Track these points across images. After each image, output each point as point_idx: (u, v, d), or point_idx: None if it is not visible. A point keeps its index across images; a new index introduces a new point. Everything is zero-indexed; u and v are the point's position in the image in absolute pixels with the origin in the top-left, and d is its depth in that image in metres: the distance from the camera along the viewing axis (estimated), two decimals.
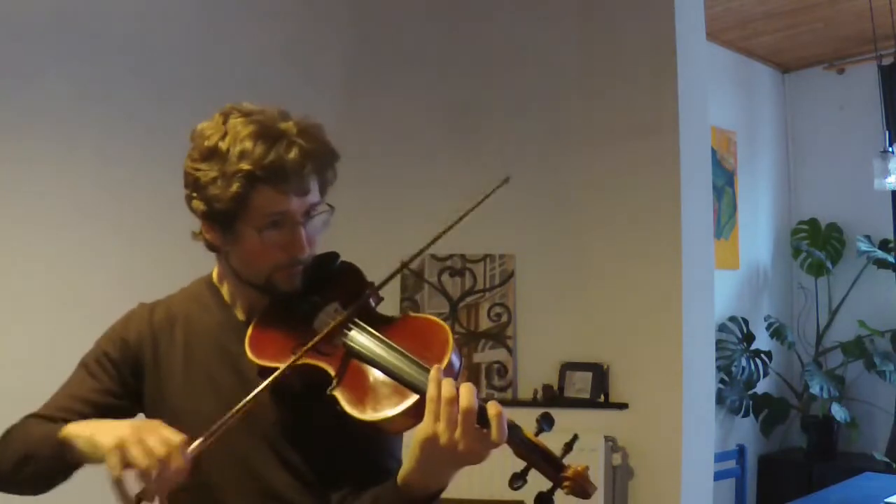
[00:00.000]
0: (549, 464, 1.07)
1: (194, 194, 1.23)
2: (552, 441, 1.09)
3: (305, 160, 1.20)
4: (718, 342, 4.26)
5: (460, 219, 1.20)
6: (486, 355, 3.42)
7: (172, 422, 1.23)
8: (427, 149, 3.47)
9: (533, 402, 3.35)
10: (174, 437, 1.08)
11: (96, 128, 2.84)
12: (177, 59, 3.04)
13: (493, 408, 1.04)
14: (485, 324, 3.45)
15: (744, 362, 4.59)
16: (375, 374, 1.14)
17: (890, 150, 3.79)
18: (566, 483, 1.06)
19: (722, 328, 4.55)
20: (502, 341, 3.43)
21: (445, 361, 1.10)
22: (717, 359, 3.82)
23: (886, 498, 2.93)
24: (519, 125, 3.48)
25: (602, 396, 3.34)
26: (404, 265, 1.21)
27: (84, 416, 1.27)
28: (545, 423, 1.07)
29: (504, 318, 3.44)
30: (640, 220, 3.31)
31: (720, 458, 3.78)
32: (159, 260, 2.91)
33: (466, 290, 3.47)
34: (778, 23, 4.46)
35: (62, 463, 1.18)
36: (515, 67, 3.51)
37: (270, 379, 1.14)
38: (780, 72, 5.26)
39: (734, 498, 4.09)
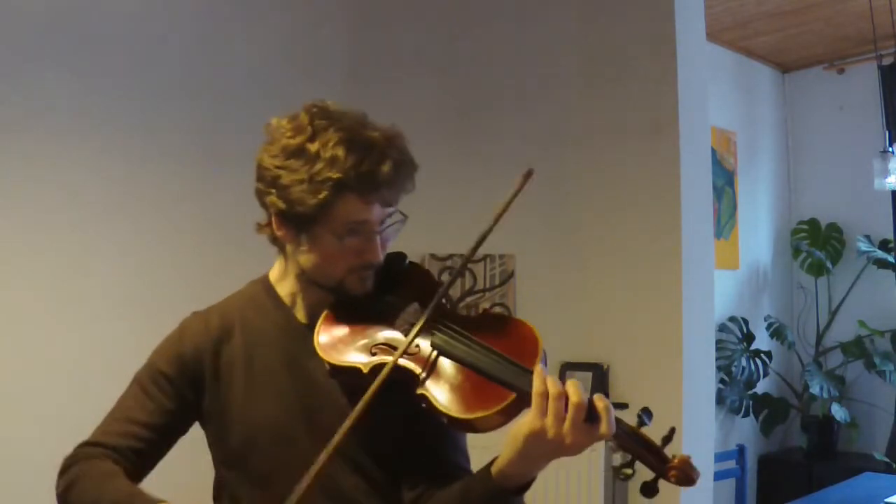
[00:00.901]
0: (654, 454, 1.10)
1: (272, 191, 1.21)
2: None
3: (396, 174, 1.21)
4: (718, 342, 4.26)
5: (500, 215, 1.25)
6: None
7: (237, 430, 1.25)
8: (427, 149, 3.44)
9: None
10: None
11: (96, 127, 2.83)
12: (177, 59, 3.03)
13: (600, 401, 1.07)
14: None
15: (744, 362, 4.59)
16: (467, 373, 1.14)
17: (890, 150, 3.79)
18: (672, 472, 1.09)
19: (722, 328, 4.55)
20: None
21: (538, 359, 1.12)
22: (717, 359, 3.82)
23: (886, 498, 2.93)
24: (519, 125, 3.48)
25: None
26: (466, 260, 1.27)
27: (142, 440, 1.26)
28: (646, 416, 1.11)
29: None
30: (640, 220, 3.31)
31: (720, 458, 3.78)
32: (160, 259, 2.91)
33: (466, 290, 3.47)
34: (778, 23, 4.46)
35: None
36: (516, 67, 3.51)
37: (380, 378, 1.12)
38: (780, 72, 5.26)
39: (734, 498, 4.09)
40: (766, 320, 4.82)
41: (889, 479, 3.42)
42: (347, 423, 1.11)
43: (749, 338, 4.66)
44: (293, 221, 1.21)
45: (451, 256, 3.48)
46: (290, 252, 1.27)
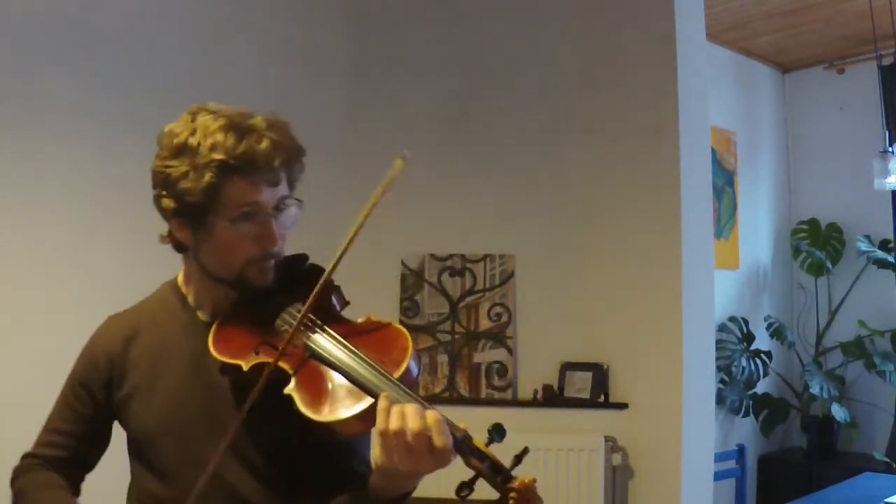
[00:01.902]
0: (497, 474, 1.06)
1: (164, 192, 1.24)
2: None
3: (275, 152, 1.22)
4: (718, 342, 4.25)
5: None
6: (486, 355, 3.42)
7: (140, 426, 1.30)
8: (428, 149, 3.47)
9: (533, 403, 3.35)
10: None
11: (96, 127, 2.84)
12: (177, 59, 3.04)
13: (431, 416, 1.05)
14: (485, 324, 3.45)
15: (744, 362, 4.59)
16: (333, 377, 1.14)
17: (890, 150, 3.78)
18: (512, 495, 1.05)
19: (722, 328, 4.55)
20: (502, 341, 3.43)
21: (403, 368, 1.12)
22: (717, 359, 3.82)
23: (886, 498, 2.92)
24: (519, 125, 3.49)
25: (602, 396, 3.34)
26: (330, 271, 1.21)
27: (66, 448, 1.35)
28: (496, 433, 1.06)
29: (504, 318, 3.44)
30: (641, 220, 3.31)
31: (720, 458, 3.78)
32: (160, 258, 2.91)
33: (466, 290, 3.47)
34: (778, 23, 4.46)
35: None
36: (516, 67, 3.51)
37: (262, 381, 1.13)
38: (780, 72, 5.25)
39: (734, 498, 4.09)
40: (766, 320, 4.82)
41: (889, 479, 3.42)
42: (235, 424, 1.13)
43: (749, 338, 4.66)
44: (188, 217, 1.24)
45: (450, 256, 3.48)
46: (191, 252, 1.30)
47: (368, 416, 1.07)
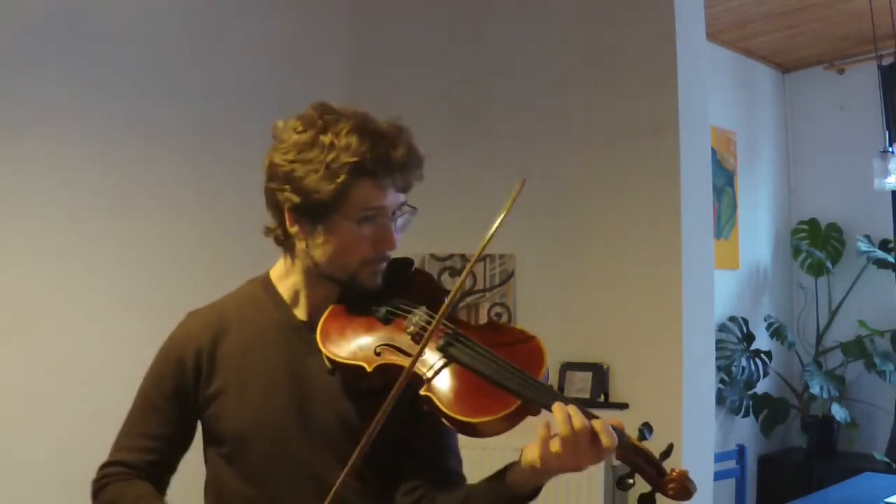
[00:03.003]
0: (653, 467, 1.12)
1: (286, 187, 1.23)
2: None
3: (409, 159, 1.26)
4: (718, 342, 4.26)
5: (496, 227, 1.22)
6: None
7: (230, 427, 1.28)
8: (427, 149, 3.45)
9: None
10: None
11: (96, 127, 2.83)
12: (177, 59, 3.03)
13: (597, 422, 1.10)
14: None
15: (744, 362, 4.59)
16: (472, 378, 1.16)
17: (890, 150, 3.78)
18: (670, 485, 1.11)
19: (722, 328, 4.55)
20: None
21: (544, 371, 1.16)
22: (717, 359, 3.82)
23: (886, 498, 2.93)
24: (519, 125, 3.48)
25: (602, 396, 3.34)
26: (470, 266, 1.27)
27: (157, 451, 1.31)
28: (647, 430, 1.14)
29: (504, 318, 3.44)
30: (640, 220, 3.31)
31: (720, 458, 3.78)
32: (160, 258, 2.91)
33: (466, 290, 3.47)
34: (778, 23, 4.46)
35: None
36: (516, 67, 3.51)
37: (402, 379, 1.12)
38: (780, 72, 5.26)
39: (734, 498, 4.09)
40: (766, 320, 4.82)
41: (889, 479, 3.42)
42: (366, 437, 1.11)
43: (749, 338, 4.66)
44: (309, 213, 1.23)
45: (450, 256, 3.48)
46: (301, 248, 1.29)
47: (514, 416, 1.11)
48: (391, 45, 3.55)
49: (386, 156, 1.22)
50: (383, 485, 1.25)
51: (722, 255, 4.41)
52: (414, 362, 1.14)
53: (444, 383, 1.15)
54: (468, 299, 3.46)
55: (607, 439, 1.08)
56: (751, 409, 4.66)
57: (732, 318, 4.66)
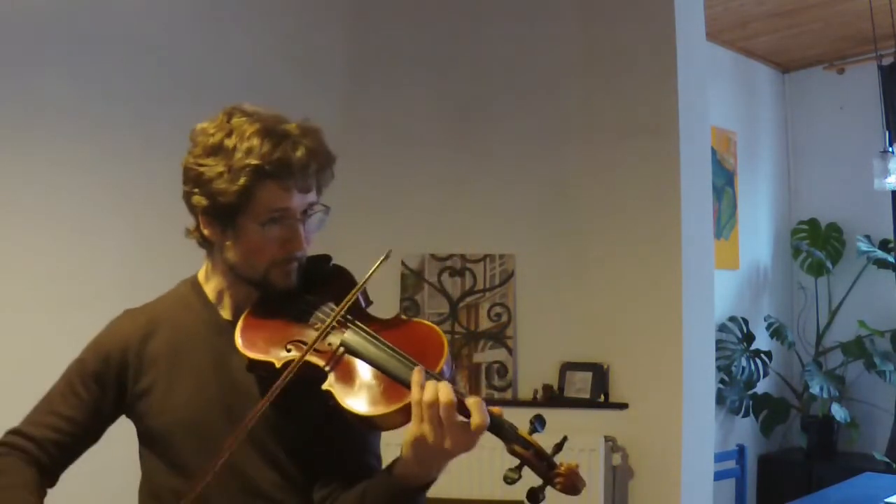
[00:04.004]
0: (542, 461, 1.12)
1: (196, 189, 1.26)
2: (545, 443, 1.14)
3: (310, 159, 1.25)
4: (718, 342, 4.25)
5: (357, 289, 1.25)
6: (486, 355, 3.42)
7: (157, 422, 1.31)
8: (427, 149, 3.47)
9: (533, 402, 3.35)
10: None
11: (96, 127, 2.84)
12: (177, 59, 3.04)
13: (471, 398, 1.10)
14: (485, 324, 3.45)
15: (744, 362, 4.59)
16: (371, 372, 1.18)
17: (890, 150, 3.78)
18: (558, 479, 1.11)
19: (722, 328, 4.55)
20: (502, 341, 3.43)
21: (442, 363, 1.16)
22: (717, 359, 3.82)
23: (886, 498, 2.93)
24: (519, 125, 3.48)
25: (602, 396, 3.34)
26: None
27: (65, 433, 1.32)
28: (538, 423, 1.12)
29: (504, 318, 3.44)
30: (640, 219, 3.31)
31: (720, 458, 3.78)
32: (160, 258, 2.90)
33: (466, 290, 3.47)
34: (778, 23, 4.46)
35: None
36: (515, 67, 3.51)
37: (288, 371, 1.16)
38: (780, 72, 5.26)
39: (734, 498, 4.09)
40: (766, 320, 4.82)
41: (889, 479, 3.42)
42: (255, 411, 1.15)
43: (749, 338, 4.66)
44: (218, 216, 1.26)
45: (450, 256, 3.48)
46: (216, 250, 1.31)
47: (409, 409, 1.11)
48: (391, 45, 3.55)
49: (286, 158, 1.22)
50: (306, 481, 1.27)
51: (722, 255, 4.41)
52: (306, 353, 1.17)
53: (342, 377, 1.17)
54: (468, 299, 3.46)
55: (478, 416, 1.08)
56: (751, 409, 4.66)
57: (732, 318, 4.66)
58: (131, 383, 1.33)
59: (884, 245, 4.70)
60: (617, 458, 3.25)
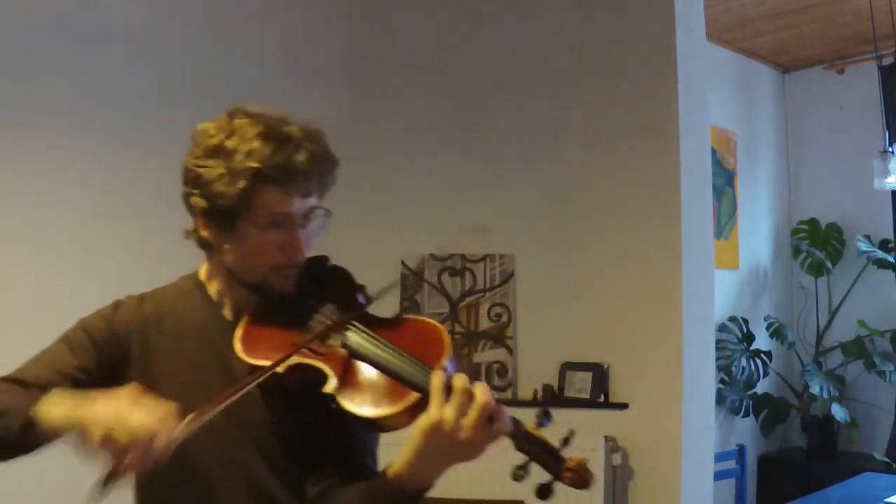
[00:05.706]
0: (550, 455, 1.11)
1: (195, 191, 1.24)
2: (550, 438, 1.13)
3: (312, 164, 1.23)
4: (718, 342, 4.25)
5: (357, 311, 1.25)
6: (486, 355, 3.42)
7: None
8: (427, 149, 3.47)
9: (533, 402, 3.34)
10: (153, 416, 1.06)
11: (96, 128, 2.84)
12: (177, 59, 3.04)
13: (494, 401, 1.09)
14: (485, 324, 3.45)
15: (744, 362, 4.59)
16: (375, 373, 1.17)
17: (890, 150, 3.79)
18: (567, 474, 1.11)
19: (722, 328, 4.55)
20: (502, 341, 3.43)
21: (444, 360, 1.14)
22: (717, 359, 3.82)
23: (886, 498, 2.93)
24: (519, 125, 3.48)
25: (602, 396, 3.34)
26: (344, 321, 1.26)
27: (58, 386, 1.25)
28: (545, 417, 1.12)
29: (504, 318, 3.44)
30: (640, 220, 3.31)
31: (720, 458, 3.78)
32: (160, 258, 2.90)
33: (466, 290, 3.47)
34: (778, 23, 4.46)
35: (26, 438, 1.15)
36: (515, 67, 3.51)
37: (264, 376, 1.16)
38: (780, 72, 5.26)
39: (734, 498, 4.09)
40: (766, 320, 4.82)
41: (889, 479, 3.42)
42: (218, 401, 1.12)
43: (749, 338, 4.66)
44: (217, 218, 1.24)
45: (450, 256, 3.48)
46: (216, 252, 1.30)
47: (414, 409, 1.10)
48: (391, 46, 3.56)
49: (287, 161, 1.20)
50: (301, 481, 1.27)
51: (722, 255, 4.41)
52: (289, 356, 1.16)
53: (345, 379, 1.16)
54: (468, 299, 3.46)
55: (501, 424, 1.07)
56: (751, 409, 4.66)
57: (732, 318, 4.66)
58: (134, 368, 1.31)
59: (884, 245, 4.70)
60: (617, 458, 3.25)
